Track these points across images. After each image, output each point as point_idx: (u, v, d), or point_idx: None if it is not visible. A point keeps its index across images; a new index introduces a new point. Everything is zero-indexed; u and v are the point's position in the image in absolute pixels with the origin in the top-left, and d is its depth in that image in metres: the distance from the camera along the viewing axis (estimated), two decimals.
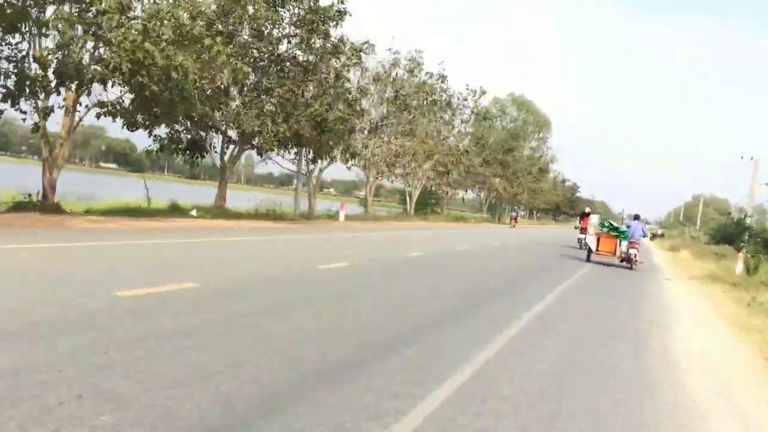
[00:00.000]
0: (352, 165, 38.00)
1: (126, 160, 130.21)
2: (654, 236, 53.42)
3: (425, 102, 41.43)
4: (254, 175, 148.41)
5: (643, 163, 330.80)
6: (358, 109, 27.89)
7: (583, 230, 25.56)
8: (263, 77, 25.03)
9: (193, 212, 24.65)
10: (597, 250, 20.70)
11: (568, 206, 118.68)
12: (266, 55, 24.83)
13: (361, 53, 33.39)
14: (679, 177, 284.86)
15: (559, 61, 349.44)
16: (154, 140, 25.95)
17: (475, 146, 66.16)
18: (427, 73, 40.82)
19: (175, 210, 24.70)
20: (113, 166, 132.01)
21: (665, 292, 16.11)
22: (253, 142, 24.95)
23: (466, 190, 69.82)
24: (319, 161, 34.10)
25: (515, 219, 60.01)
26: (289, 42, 26.15)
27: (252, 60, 24.22)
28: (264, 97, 25.23)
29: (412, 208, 52.72)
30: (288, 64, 25.40)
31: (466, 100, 52.06)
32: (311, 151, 31.43)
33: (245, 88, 24.92)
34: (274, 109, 24.95)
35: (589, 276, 17.59)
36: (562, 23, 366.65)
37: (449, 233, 34.20)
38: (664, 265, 29.30)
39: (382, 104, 38.57)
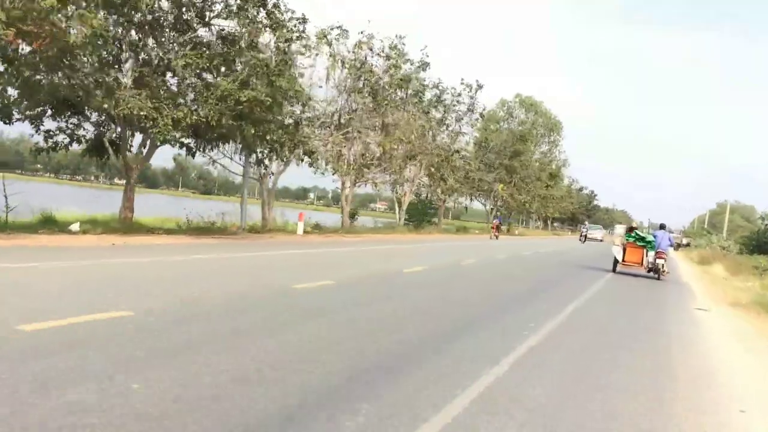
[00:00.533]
0: (317, 168, 32.15)
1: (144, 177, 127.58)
2: (679, 246, 47.45)
3: (405, 95, 35.49)
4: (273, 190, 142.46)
5: (664, 170, 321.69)
6: (294, 90, 22.00)
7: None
8: (162, 48, 19.28)
9: (74, 226, 19.03)
10: (623, 260, 20.66)
11: (585, 215, 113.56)
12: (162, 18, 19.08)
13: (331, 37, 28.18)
14: (701, 185, 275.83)
15: (562, 62, 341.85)
16: (46, 137, 20.58)
17: (478, 150, 60.18)
18: (406, 61, 34.80)
19: (49, 223, 19.02)
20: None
21: (704, 342, 9.95)
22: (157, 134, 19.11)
23: (471, 199, 63.36)
24: (271, 162, 28.23)
25: (497, 228, 49.97)
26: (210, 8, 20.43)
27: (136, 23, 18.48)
28: (168, 75, 19.54)
29: (401, 218, 46.69)
30: (200, 32, 19.63)
31: (459, 95, 46.13)
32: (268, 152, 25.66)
33: (138, 61, 19.20)
34: (177, 90, 19.23)
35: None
36: (562, 24, 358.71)
37: (421, 249, 28.27)
38: (694, 283, 23.11)
39: (350, 95, 32.61)
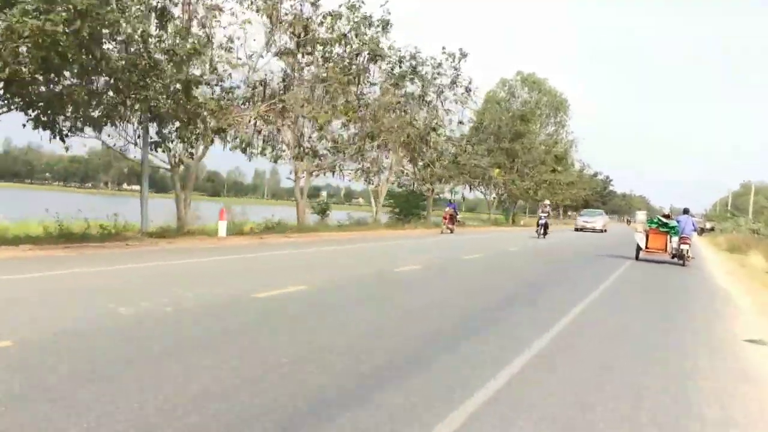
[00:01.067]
0: (251, 152, 26.09)
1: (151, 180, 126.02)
2: (702, 231, 40.47)
3: (362, 59, 29.22)
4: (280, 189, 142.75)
5: (680, 154, 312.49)
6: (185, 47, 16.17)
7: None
8: None
9: None
10: (647, 247, 20.48)
11: (600, 201, 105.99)
12: None
13: None
14: (721, 168, 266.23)
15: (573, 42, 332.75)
16: None
17: (474, 132, 53.71)
18: (357, 16, 28.34)
19: None
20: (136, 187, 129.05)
21: None
22: None
23: (469, 188, 56.71)
24: (189, 145, 22.23)
25: (451, 219, 36.25)
26: None
27: None
28: None
29: (377, 212, 40.46)
30: None
31: (440, 65, 39.75)
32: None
33: None
34: None
35: None
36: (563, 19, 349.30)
37: (356, 250, 22.05)
38: (729, 281, 16.93)
39: (281, 57, 26.32)
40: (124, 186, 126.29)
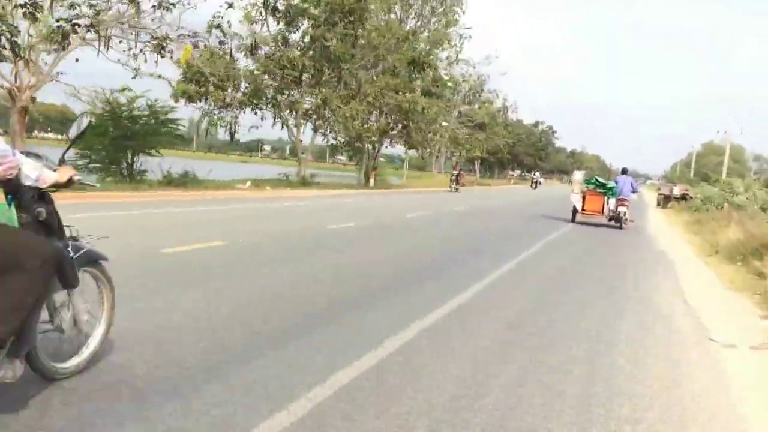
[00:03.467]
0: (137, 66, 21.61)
1: None
2: (667, 200, 37.69)
3: None
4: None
5: (635, 115, 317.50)
6: None
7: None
8: None
9: None
10: (583, 209, 20.54)
11: (534, 156, 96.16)
12: None
13: None
14: (677, 129, 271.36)
15: None
16: None
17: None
18: None
19: None
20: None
21: None
22: None
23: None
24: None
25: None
26: None
27: None
28: None
29: (302, 172, 34.49)
30: None
31: None
32: None
33: None
34: None
35: None
36: None
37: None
38: None
39: None
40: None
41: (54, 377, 3.60)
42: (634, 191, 20.65)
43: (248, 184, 26.13)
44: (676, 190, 38.93)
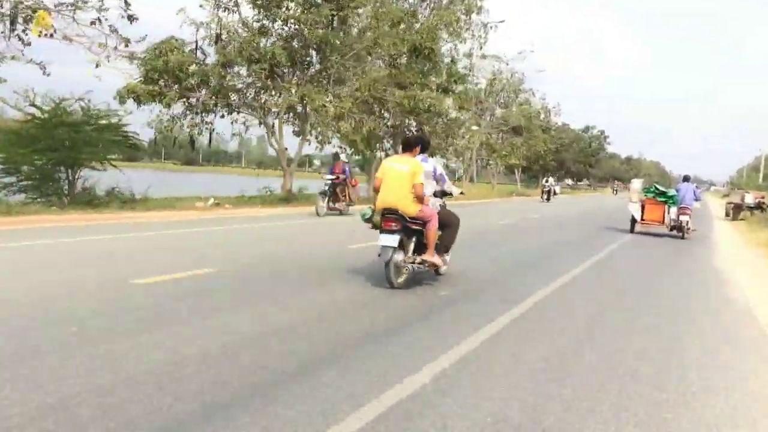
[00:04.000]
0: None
1: None
2: (740, 209, 31.60)
3: None
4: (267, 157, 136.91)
5: (697, 119, 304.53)
6: None
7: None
8: None
9: None
10: (642, 219, 19.95)
11: (584, 164, 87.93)
12: None
13: None
14: (741, 135, 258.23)
15: None
16: None
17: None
18: None
19: None
20: None
21: None
22: None
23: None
24: None
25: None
26: None
27: None
28: None
29: (287, 185, 30.59)
30: None
31: None
32: None
33: None
34: None
35: None
36: None
37: None
38: None
39: None
40: None
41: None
42: (697, 199, 19.99)
43: (211, 201, 21.64)
44: (750, 198, 32.41)
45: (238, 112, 25.21)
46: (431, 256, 7.88)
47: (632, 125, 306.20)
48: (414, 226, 7.73)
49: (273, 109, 24.53)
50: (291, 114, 25.55)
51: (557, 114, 61.24)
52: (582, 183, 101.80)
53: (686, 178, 20.83)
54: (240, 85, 24.21)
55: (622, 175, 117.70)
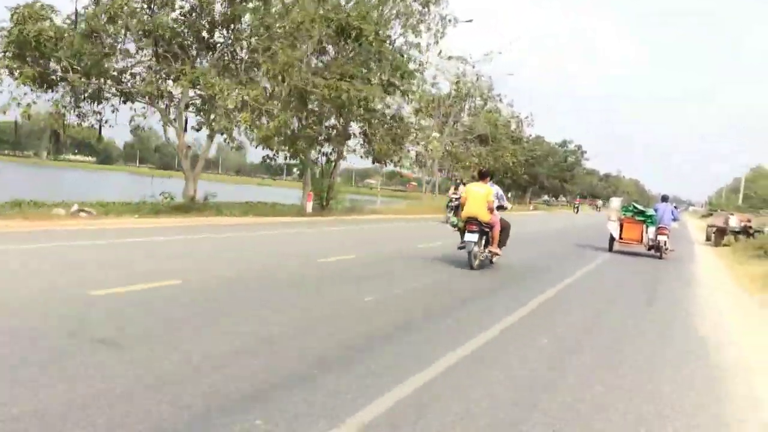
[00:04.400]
0: None
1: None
2: (723, 233, 27.93)
3: None
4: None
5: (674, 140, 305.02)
6: None
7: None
8: None
9: None
10: (620, 237, 20.27)
11: (558, 180, 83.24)
12: None
13: None
14: (721, 152, 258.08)
15: None
16: None
17: None
18: None
19: None
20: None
21: None
22: None
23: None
24: None
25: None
26: None
27: None
28: None
29: (189, 191, 27.19)
30: None
31: None
32: None
33: None
34: None
35: None
36: None
37: None
38: None
39: None
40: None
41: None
42: (675, 219, 20.25)
43: (74, 208, 17.39)
44: (734, 222, 28.63)
45: (133, 101, 20.97)
46: (495, 248, 12.15)
47: (610, 139, 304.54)
48: (485, 228, 11.84)
49: (173, 96, 20.31)
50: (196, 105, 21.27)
51: (530, 125, 57.00)
52: (560, 200, 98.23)
53: (664, 198, 20.99)
54: (126, 65, 19.88)
55: (599, 192, 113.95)
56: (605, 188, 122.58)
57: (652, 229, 19.60)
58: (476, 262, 11.64)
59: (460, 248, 11.87)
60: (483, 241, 11.88)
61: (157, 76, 19.84)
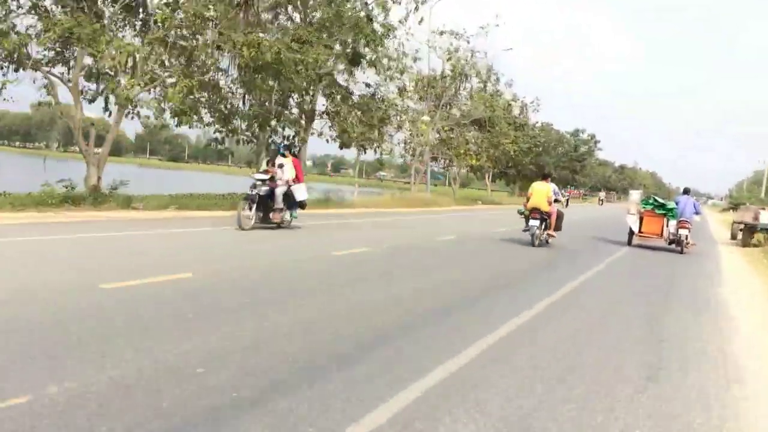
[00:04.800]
0: None
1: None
2: (752, 231, 24.19)
3: None
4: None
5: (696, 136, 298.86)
6: None
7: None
8: None
9: None
10: (640, 231, 19.83)
11: (569, 170, 77.15)
12: None
13: None
14: (741, 144, 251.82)
15: None
16: None
17: None
18: None
19: None
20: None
21: None
22: None
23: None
24: None
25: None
26: None
27: None
28: None
29: (92, 179, 23.35)
30: None
31: None
32: None
33: None
34: None
35: None
36: None
37: None
38: None
39: None
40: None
41: None
42: (697, 213, 19.79)
43: None
44: (766, 217, 23.92)
45: (24, 68, 16.94)
46: (552, 231, 15.88)
47: (625, 130, 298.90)
48: (545, 216, 15.50)
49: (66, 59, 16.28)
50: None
51: (535, 110, 51.88)
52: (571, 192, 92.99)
53: (686, 191, 20.64)
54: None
55: (614, 185, 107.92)
56: (620, 180, 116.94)
57: (673, 223, 19.19)
58: (537, 242, 15.48)
59: (525, 231, 15.91)
60: (543, 226, 15.69)
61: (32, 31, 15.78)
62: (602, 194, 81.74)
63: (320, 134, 27.17)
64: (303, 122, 26.07)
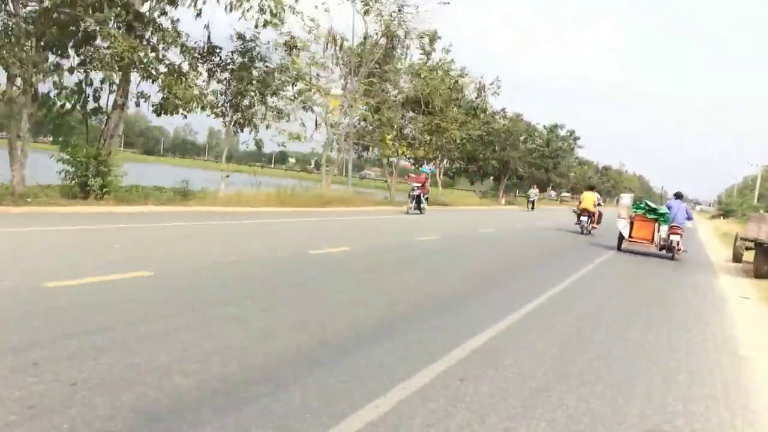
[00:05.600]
0: None
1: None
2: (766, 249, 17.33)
3: None
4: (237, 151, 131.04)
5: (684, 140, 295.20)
6: None
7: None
8: None
9: None
10: (630, 236, 19.92)
11: (542, 168, 66.74)
12: None
13: None
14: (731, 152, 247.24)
15: None
16: None
17: None
18: None
19: None
20: None
21: None
22: None
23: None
24: None
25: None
26: None
27: None
28: None
29: (16, 177, 16.16)
30: None
31: None
32: None
33: None
34: None
35: None
36: None
37: None
38: None
39: None
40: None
41: None
42: (689, 218, 19.54)
43: None
44: None
45: None
46: (595, 225, 25.45)
47: (611, 133, 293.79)
48: (591, 215, 25.12)
49: None
50: None
51: (495, 93, 42.82)
52: (547, 193, 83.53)
53: (678, 195, 20.16)
54: None
55: (598, 186, 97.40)
56: (604, 182, 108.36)
57: (664, 228, 19.07)
58: (585, 232, 24.90)
59: (576, 224, 25.46)
60: (589, 221, 25.16)
61: None
62: (533, 192, 52.77)
63: (146, 98, 19.02)
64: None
